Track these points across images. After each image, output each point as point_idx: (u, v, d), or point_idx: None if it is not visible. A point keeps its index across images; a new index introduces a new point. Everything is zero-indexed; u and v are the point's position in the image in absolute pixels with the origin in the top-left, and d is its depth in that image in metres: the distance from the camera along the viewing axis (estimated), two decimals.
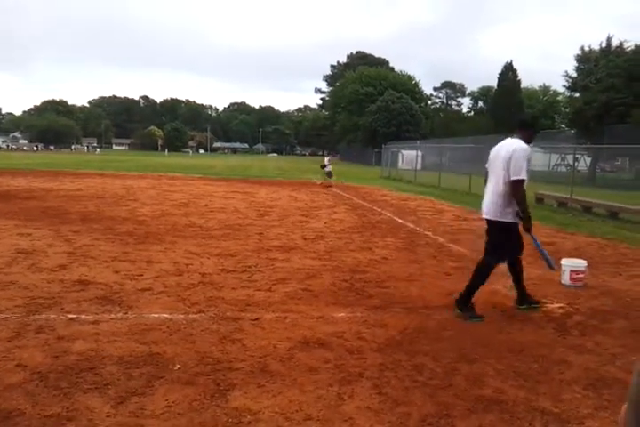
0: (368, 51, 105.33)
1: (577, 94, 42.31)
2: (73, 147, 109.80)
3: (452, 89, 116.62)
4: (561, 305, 5.40)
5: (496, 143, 5.33)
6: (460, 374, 3.61)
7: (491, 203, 5.03)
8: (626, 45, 37.55)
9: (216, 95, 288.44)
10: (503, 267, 6.93)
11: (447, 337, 4.35)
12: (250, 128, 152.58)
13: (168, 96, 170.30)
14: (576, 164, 21.38)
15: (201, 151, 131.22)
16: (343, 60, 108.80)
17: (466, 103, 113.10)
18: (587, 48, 41.69)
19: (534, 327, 4.72)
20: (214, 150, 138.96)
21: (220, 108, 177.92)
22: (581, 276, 6.19)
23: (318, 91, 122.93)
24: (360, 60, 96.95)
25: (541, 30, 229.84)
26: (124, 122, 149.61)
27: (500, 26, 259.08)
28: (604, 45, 39.40)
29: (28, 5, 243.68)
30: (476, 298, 5.41)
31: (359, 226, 10.68)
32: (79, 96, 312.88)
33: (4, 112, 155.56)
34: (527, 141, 4.99)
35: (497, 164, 4.99)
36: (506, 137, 5.26)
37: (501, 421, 3.01)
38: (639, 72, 30.19)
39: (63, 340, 3.91)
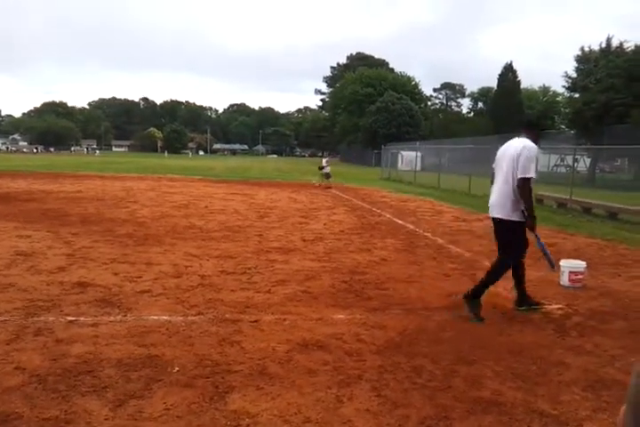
0: (368, 52, 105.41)
1: (577, 95, 42.30)
2: (73, 149, 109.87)
3: (452, 90, 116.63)
4: (560, 306, 5.40)
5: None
6: (458, 376, 3.61)
7: (500, 202, 5.03)
8: (626, 46, 37.57)
9: (216, 97, 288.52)
10: None
11: (446, 339, 4.35)
12: (249, 129, 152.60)
13: (168, 98, 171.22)
14: (575, 164, 21.40)
15: (201, 153, 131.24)
16: (343, 61, 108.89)
17: (465, 104, 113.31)
18: (586, 48, 41.71)
19: (533, 329, 4.72)
20: (214, 152, 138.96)
21: (220, 110, 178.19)
22: (580, 277, 6.19)
23: (318, 92, 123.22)
24: (360, 61, 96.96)
25: (541, 30, 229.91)
26: (123, 124, 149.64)
27: (499, 26, 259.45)
28: (603, 46, 39.42)
29: (27, 7, 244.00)
30: None
31: (358, 227, 10.68)
32: (79, 98, 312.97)
33: (3, 114, 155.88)
34: (534, 141, 5.03)
35: (505, 163, 5.02)
36: (506, 137, 5.29)
37: (500, 423, 3.01)
38: (639, 72, 30.20)
39: (62, 342, 3.91)
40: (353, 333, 4.38)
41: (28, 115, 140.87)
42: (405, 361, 3.83)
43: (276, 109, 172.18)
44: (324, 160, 23.71)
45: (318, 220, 11.60)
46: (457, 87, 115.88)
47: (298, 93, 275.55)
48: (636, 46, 34.65)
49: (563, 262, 6.24)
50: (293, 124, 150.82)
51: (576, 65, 42.25)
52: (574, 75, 42.46)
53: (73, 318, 4.45)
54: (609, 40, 39.22)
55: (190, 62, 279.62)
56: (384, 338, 4.29)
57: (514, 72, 64.58)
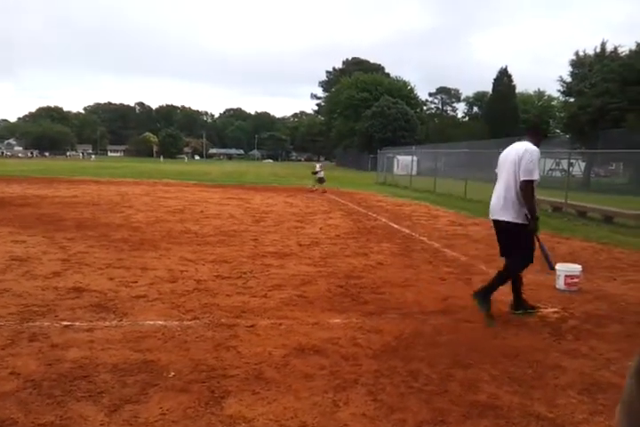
0: (363, 56, 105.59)
1: (572, 99, 42.49)
2: (68, 153, 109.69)
3: (447, 94, 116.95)
4: (556, 310, 5.41)
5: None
6: (455, 380, 3.61)
7: (503, 205, 5.06)
8: (620, 50, 37.83)
9: (212, 101, 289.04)
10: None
11: (442, 342, 4.35)
12: (245, 134, 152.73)
13: (164, 102, 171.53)
14: (570, 169, 21.47)
15: (196, 157, 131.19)
16: (339, 65, 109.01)
17: (461, 108, 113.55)
18: (581, 53, 41.95)
19: (529, 332, 4.72)
20: (210, 156, 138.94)
21: (216, 115, 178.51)
22: (576, 280, 6.21)
23: (314, 96, 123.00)
24: (355, 66, 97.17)
25: (535, 35, 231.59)
26: (119, 128, 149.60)
27: (494, 31, 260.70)
28: (598, 50, 39.66)
29: (23, 11, 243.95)
30: (471, 303, 5.42)
31: (354, 232, 10.68)
32: (74, 103, 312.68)
33: None
34: (536, 144, 5.09)
35: (507, 166, 5.08)
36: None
37: (496, 426, 3.01)
38: (634, 77, 30.36)
39: (57, 348, 3.89)
40: (349, 337, 4.38)
41: (24, 119, 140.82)
42: (402, 365, 3.82)
43: (272, 114, 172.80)
44: (317, 165, 23.69)
45: (314, 224, 11.60)
46: (452, 92, 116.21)
47: (294, 98, 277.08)
48: (631, 51, 34.87)
49: (558, 266, 6.25)
50: (289, 129, 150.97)
51: (571, 69, 42.50)
52: (569, 79, 42.71)
53: (68, 323, 4.43)
54: (603, 45, 39.50)
55: (186, 67, 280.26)
56: (380, 342, 4.29)
57: (509, 76, 64.78)
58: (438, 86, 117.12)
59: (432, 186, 23.94)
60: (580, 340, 4.55)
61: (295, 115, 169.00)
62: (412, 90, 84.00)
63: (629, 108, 29.44)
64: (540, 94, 79.62)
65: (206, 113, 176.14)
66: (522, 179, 4.89)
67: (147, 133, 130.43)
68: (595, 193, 22.12)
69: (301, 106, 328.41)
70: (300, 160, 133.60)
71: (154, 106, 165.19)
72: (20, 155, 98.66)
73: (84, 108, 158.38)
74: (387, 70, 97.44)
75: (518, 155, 4.96)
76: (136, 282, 5.90)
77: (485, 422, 3.05)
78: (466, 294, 5.84)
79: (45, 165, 45.44)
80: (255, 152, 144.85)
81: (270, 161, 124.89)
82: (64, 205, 13.28)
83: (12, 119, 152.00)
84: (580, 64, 41.26)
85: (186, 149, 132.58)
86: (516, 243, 5.05)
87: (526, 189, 4.89)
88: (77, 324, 4.44)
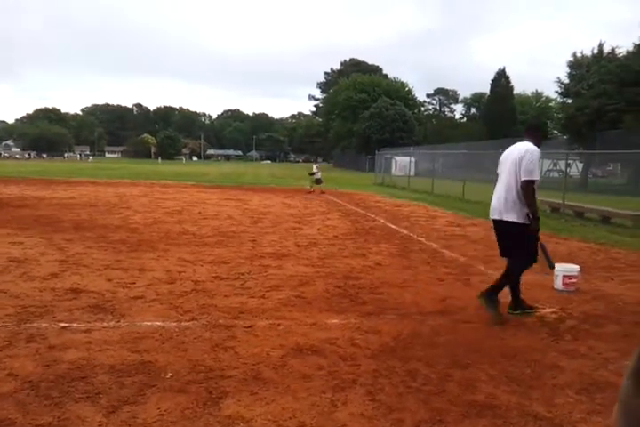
0: (361, 58, 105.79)
1: (569, 100, 42.58)
2: (66, 155, 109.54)
3: (445, 95, 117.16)
4: (554, 310, 5.41)
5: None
6: (453, 380, 3.61)
7: (504, 205, 5.08)
8: (618, 51, 37.88)
9: (210, 103, 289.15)
10: (496, 273, 6.95)
11: (441, 343, 4.35)
12: (243, 135, 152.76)
13: (161, 104, 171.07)
14: (568, 169, 21.51)
15: (194, 159, 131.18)
16: (337, 67, 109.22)
17: (459, 109, 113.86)
18: (578, 54, 42.03)
19: (527, 332, 4.73)
20: (208, 158, 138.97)
21: (214, 116, 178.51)
22: (574, 281, 6.21)
23: (312, 98, 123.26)
24: (354, 68, 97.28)
25: (533, 37, 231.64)
26: (117, 130, 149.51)
27: (492, 32, 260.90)
28: (595, 51, 39.72)
29: (21, 12, 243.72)
30: (469, 303, 5.44)
31: (352, 232, 10.69)
32: (72, 104, 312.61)
33: None
34: (537, 145, 5.14)
35: (508, 166, 5.11)
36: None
37: (494, 426, 3.01)
38: (631, 78, 30.41)
39: (55, 349, 3.88)
40: (347, 337, 4.38)
41: (21, 121, 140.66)
42: (400, 365, 3.82)
43: (270, 115, 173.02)
44: (314, 166, 23.60)
45: (312, 225, 11.60)
46: (450, 93, 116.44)
47: (292, 99, 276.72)
48: (628, 52, 34.93)
49: (556, 266, 6.26)
50: (287, 130, 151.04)
51: (568, 71, 42.57)
52: (567, 80, 42.79)
53: (66, 325, 4.42)
54: (601, 46, 39.56)
55: (184, 68, 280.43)
56: (378, 342, 4.29)
57: (506, 78, 64.93)
58: (436, 87, 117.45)
59: (430, 187, 23.96)
60: (578, 340, 4.56)
61: (293, 116, 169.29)
62: (409, 91, 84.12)
63: (627, 109, 29.48)
64: (537, 95, 79.82)
65: (204, 114, 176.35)
66: (523, 179, 4.91)
67: (145, 135, 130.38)
68: (592, 194, 22.16)
69: (299, 107, 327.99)
70: (298, 161, 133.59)
71: (152, 107, 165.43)
72: (17, 156, 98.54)
73: (82, 110, 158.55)
74: (385, 71, 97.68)
75: (519, 155, 4.98)
76: (134, 283, 5.89)
77: (483, 421, 3.05)
78: (464, 295, 5.86)
79: (43, 167, 45.41)
80: (253, 153, 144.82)
81: (268, 162, 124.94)
82: (62, 207, 13.27)
83: (10, 120, 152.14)
84: (578, 65, 41.34)
85: (184, 151, 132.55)
86: (518, 243, 5.06)
87: (527, 189, 4.91)
88: (75, 325, 4.43)
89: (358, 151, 67.03)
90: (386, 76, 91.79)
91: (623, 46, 42.07)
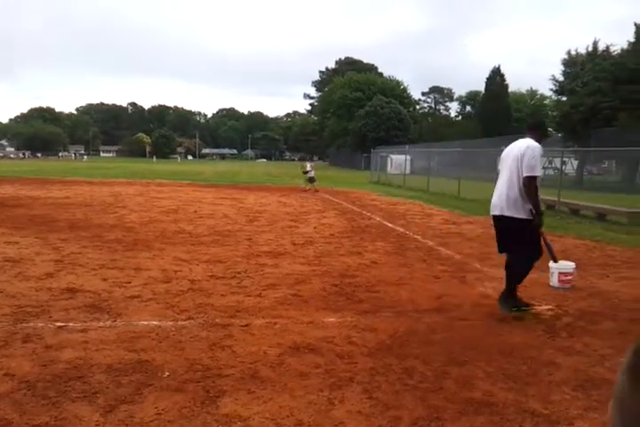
0: (356, 56, 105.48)
1: (564, 98, 42.61)
2: (60, 154, 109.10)
3: (440, 94, 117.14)
4: (550, 307, 5.43)
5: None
6: (450, 378, 3.61)
7: (505, 201, 5.10)
8: (612, 49, 37.92)
9: (205, 101, 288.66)
10: (491, 271, 6.97)
11: (437, 340, 4.36)
12: (239, 134, 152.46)
13: (156, 103, 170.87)
14: (563, 167, 21.58)
15: (189, 157, 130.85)
16: (332, 65, 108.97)
17: (454, 108, 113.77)
18: (573, 52, 42.06)
19: (524, 329, 4.74)
20: (203, 156, 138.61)
21: (209, 115, 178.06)
22: (569, 278, 6.23)
23: (307, 96, 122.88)
24: (348, 66, 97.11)
25: (529, 35, 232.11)
26: (111, 129, 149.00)
27: (487, 31, 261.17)
28: (590, 49, 39.76)
29: (14, 12, 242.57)
30: (465, 300, 5.45)
31: (348, 231, 10.69)
32: (67, 103, 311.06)
33: None
34: (538, 141, 5.17)
35: (509, 163, 5.14)
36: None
37: (491, 423, 3.02)
38: (625, 75, 30.47)
39: (51, 348, 3.88)
40: (344, 335, 4.38)
41: (15, 120, 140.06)
42: (396, 363, 3.83)
43: (265, 114, 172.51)
44: (308, 164, 23.51)
45: (308, 223, 11.60)
46: (445, 91, 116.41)
47: (287, 98, 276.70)
48: (623, 49, 35.00)
49: (552, 264, 6.28)
50: (282, 129, 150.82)
51: (563, 68, 42.59)
52: (561, 78, 42.78)
53: (62, 324, 4.42)
54: (595, 43, 39.57)
55: (179, 67, 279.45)
56: (375, 340, 4.29)
57: (501, 76, 64.95)
58: (431, 86, 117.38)
59: (425, 185, 23.96)
60: (574, 337, 4.57)
61: (288, 115, 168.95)
62: (405, 89, 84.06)
63: (621, 106, 29.54)
64: (532, 93, 79.89)
65: (199, 113, 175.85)
66: (525, 175, 4.94)
67: (140, 134, 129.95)
68: (587, 191, 22.22)
69: (294, 106, 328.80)
70: (293, 160, 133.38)
71: (146, 106, 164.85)
72: (11, 156, 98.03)
73: (77, 109, 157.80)
74: (380, 70, 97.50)
75: (520, 151, 5.01)
76: (130, 282, 5.88)
77: (480, 418, 3.06)
78: (460, 293, 5.88)
79: (37, 166, 45.25)
80: (249, 152, 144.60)
81: (264, 161, 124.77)
82: (57, 206, 13.22)
83: (4, 120, 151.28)
84: (572, 63, 41.36)
85: (179, 150, 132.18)
86: (521, 238, 5.09)
87: (529, 186, 4.93)
88: (71, 324, 4.42)
89: (354, 149, 66.99)
90: (381, 74, 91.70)
91: (618, 44, 42.07)
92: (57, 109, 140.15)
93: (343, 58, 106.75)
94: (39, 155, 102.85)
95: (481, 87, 71.27)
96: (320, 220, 12.33)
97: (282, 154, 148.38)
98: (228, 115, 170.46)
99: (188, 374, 3.53)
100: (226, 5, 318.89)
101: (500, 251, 5.39)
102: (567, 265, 6.30)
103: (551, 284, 6.24)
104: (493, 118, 59.11)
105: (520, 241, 5.10)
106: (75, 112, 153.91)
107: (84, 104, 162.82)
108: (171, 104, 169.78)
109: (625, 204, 14.66)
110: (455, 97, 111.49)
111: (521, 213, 5.01)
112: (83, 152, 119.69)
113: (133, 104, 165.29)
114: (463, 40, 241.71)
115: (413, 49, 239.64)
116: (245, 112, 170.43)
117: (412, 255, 8.15)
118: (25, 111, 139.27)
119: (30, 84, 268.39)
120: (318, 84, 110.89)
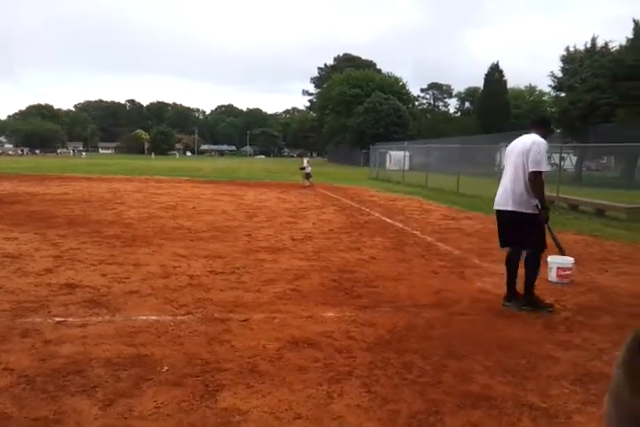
0: (355, 53, 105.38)
1: (562, 94, 42.55)
2: (59, 151, 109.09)
3: (439, 90, 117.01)
4: (548, 302, 5.43)
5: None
6: (448, 371, 3.62)
7: (513, 197, 5.11)
8: (611, 45, 37.84)
9: (203, 98, 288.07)
10: (490, 266, 6.98)
11: (436, 335, 4.36)
12: (237, 130, 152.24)
13: (154, 99, 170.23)
14: (562, 163, 21.56)
15: (188, 154, 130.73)
16: (330, 62, 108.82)
17: (452, 104, 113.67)
18: (572, 48, 41.98)
19: (522, 324, 4.75)
20: (201, 153, 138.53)
21: (208, 111, 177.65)
22: (568, 273, 6.24)
23: (306, 93, 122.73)
24: (347, 63, 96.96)
25: (528, 32, 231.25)
26: (110, 126, 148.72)
27: (486, 27, 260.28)
28: (588, 46, 39.69)
29: (12, 9, 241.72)
30: (464, 296, 5.46)
31: (347, 226, 10.69)
32: (65, 100, 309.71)
33: None
34: (543, 137, 5.17)
35: (514, 158, 5.14)
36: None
37: (490, 417, 3.03)
38: (624, 72, 30.43)
39: (50, 343, 3.88)
40: (343, 330, 4.39)
41: (14, 117, 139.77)
42: (395, 357, 3.84)
43: (264, 110, 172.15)
44: (305, 160, 23.53)
45: (307, 219, 11.60)
46: (444, 87, 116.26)
47: (285, 94, 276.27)
48: (621, 46, 34.94)
49: (550, 258, 6.28)
50: (281, 125, 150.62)
51: (562, 65, 42.53)
52: (560, 74, 42.71)
53: (61, 319, 4.41)
54: (594, 40, 39.48)
55: (177, 64, 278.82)
56: (374, 335, 4.30)
57: (500, 72, 64.96)
58: (430, 82, 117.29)
59: (424, 181, 23.97)
60: (572, 331, 4.58)
61: (287, 111, 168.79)
62: (403, 86, 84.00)
63: (619, 103, 29.51)
64: (531, 89, 79.89)
65: (198, 109, 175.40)
66: (530, 170, 4.93)
67: (138, 130, 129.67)
68: (586, 187, 22.21)
69: (293, 102, 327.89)
70: (292, 156, 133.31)
71: (145, 103, 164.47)
72: (10, 152, 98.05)
73: (75, 106, 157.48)
74: (378, 66, 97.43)
75: (525, 147, 5.00)
76: (129, 278, 5.88)
77: (479, 412, 3.07)
78: (459, 288, 5.89)
79: (36, 163, 45.21)
80: (247, 148, 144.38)
81: (262, 157, 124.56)
82: (55, 203, 13.21)
83: (3, 117, 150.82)
84: (571, 59, 41.27)
85: (177, 146, 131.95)
86: (528, 233, 5.09)
87: (535, 181, 4.93)
88: (70, 320, 4.42)
89: (352, 146, 66.98)
90: (379, 70, 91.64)
91: (616, 40, 41.97)
92: (55, 106, 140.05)
93: (342, 54, 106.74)
94: (38, 151, 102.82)
95: (480, 83, 71.34)
96: (319, 215, 12.33)
97: (280, 150, 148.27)
98: (226, 111, 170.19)
99: (186, 368, 3.53)
100: (225, 2, 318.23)
101: (502, 246, 5.39)
102: (566, 260, 6.31)
103: (549, 279, 6.25)
104: (492, 115, 59.15)
105: (527, 235, 5.10)
106: (73, 109, 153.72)
107: (82, 101, 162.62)
108: (169, 101, 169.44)
109: (624, 199, 14.68)
110: (454, 93, 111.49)
111: (526, 208, 5.02)
112: (81, 149, 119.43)
113: (132, 101, 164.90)
114: (462, 36, 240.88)
115: (412, 45, 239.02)
116: (244, 108, 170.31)
117: (410, 251, 8.15)
118: (23, 108, 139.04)
119: (30, 82, 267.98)
120: (317, 81, 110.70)
